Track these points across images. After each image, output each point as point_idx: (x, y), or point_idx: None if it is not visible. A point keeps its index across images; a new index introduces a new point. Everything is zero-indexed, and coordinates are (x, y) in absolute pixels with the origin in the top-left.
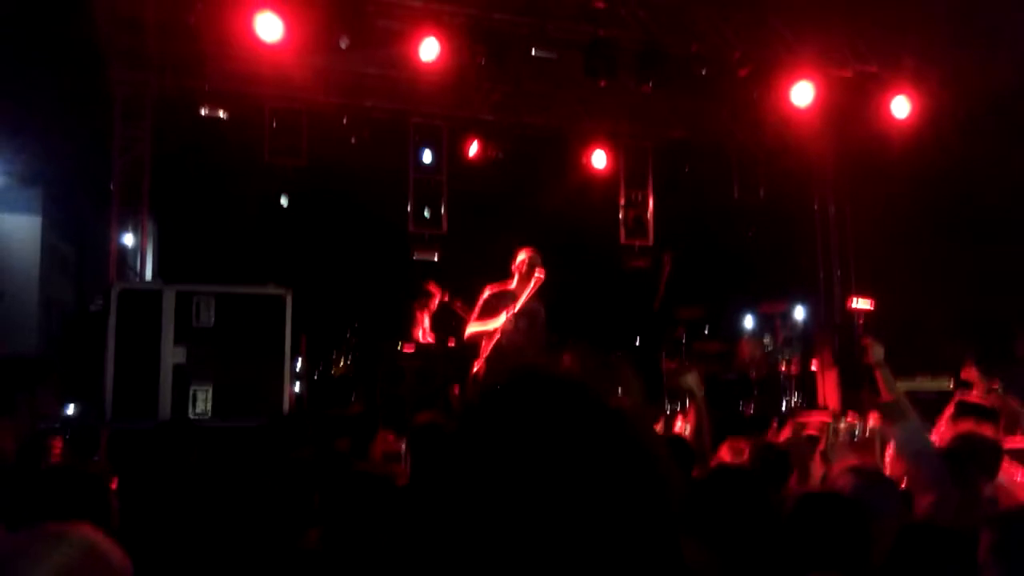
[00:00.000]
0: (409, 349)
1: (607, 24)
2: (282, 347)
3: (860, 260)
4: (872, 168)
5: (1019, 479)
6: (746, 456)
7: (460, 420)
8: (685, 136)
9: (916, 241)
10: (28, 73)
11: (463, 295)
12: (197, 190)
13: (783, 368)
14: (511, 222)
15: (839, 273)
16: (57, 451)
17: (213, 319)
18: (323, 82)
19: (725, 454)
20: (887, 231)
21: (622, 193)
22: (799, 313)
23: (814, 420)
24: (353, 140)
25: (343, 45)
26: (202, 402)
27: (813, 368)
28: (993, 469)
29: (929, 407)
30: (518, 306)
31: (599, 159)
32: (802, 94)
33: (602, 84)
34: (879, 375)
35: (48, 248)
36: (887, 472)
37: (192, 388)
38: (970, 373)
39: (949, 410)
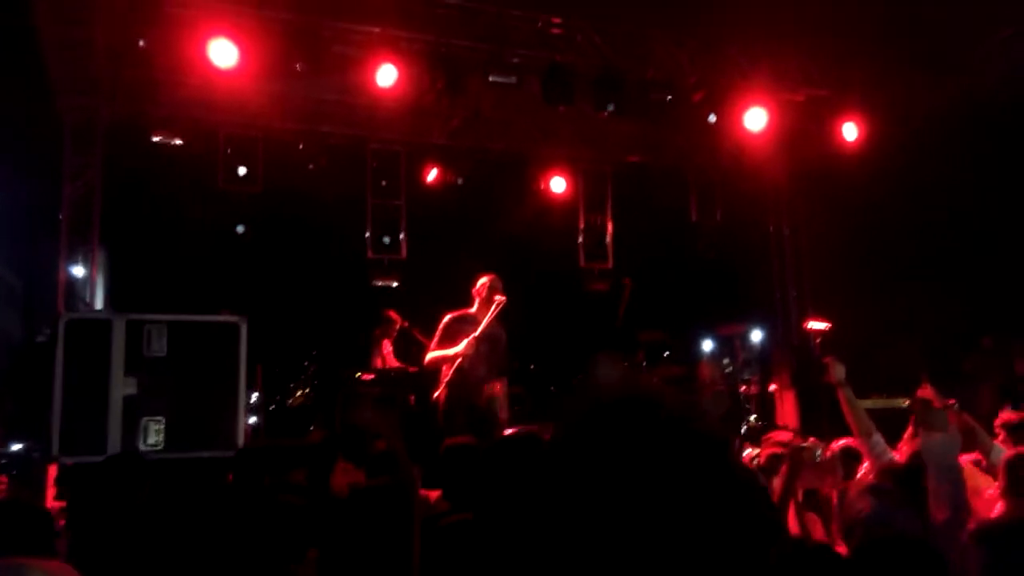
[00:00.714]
0: (368, 376)
1: (564, 50)
2: (236, 376)
3: (815, 281)
4: (825, 190)
5: (988, 493)
6: None
7: (561, 441)
8: (643, 160)
9: (868, 262)
10: None
11: (424, 321)
12: (150, 218)
13: (743, 389)
14: (471, 247)
15: (795, 294)
16: (2, 488)
17: (165, 348)
18: (279, 108)
19: None
20: (841, 252)
21: (581, 217)
22: (757, 335)
23: (782, 439)
24: (311, 166)
25: (299, 69)
26: (154, 434)
27: (772, 389)
28: None
29: (888, 424)
30: (479, 331)
31: (558, 184)
32: (755, 118)
33: (560, 110)
34: (841, 394)
35: None
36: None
37: (144, 419)
38: (926, 392)
39: (910, 429)
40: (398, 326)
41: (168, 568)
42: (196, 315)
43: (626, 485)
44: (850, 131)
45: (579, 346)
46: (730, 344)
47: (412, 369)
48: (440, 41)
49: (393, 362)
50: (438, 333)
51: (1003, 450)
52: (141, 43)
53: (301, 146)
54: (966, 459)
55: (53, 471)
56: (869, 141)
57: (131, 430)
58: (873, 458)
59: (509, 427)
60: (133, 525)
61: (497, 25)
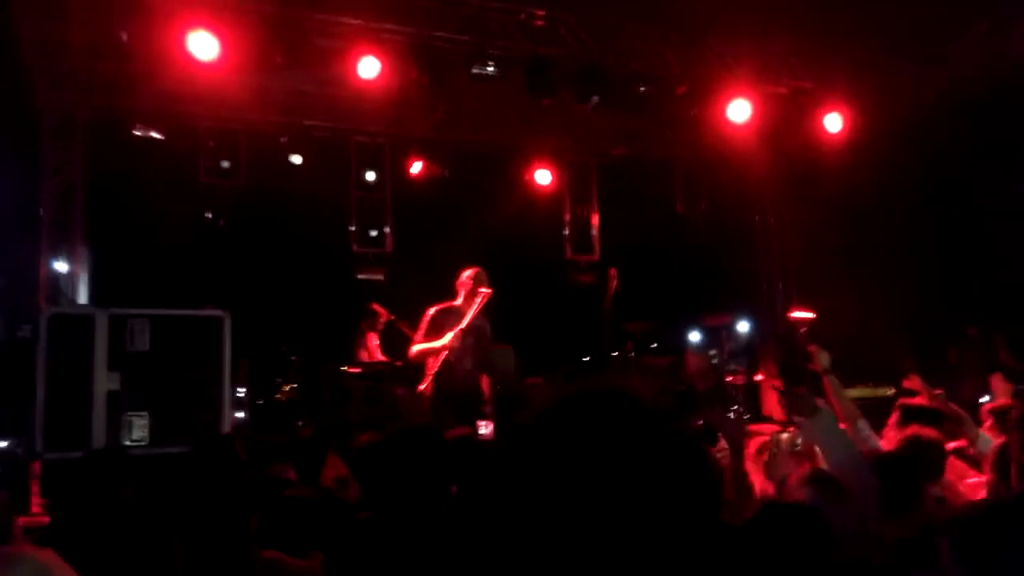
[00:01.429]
0: (354, 370)
1: (547, 43)
2: (221, 371)
3: (800, 271)
4: (809, 181)
5: (970, 480)
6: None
7: (524, 434)
8: (628, 152)
9: (852, 252)
10: None
11: (410, 314)
12: (132, 212)
13: (729, 380)
14: (456, 240)
15: (780, 285)
16: None
17: (148, 343)
18: (261, 101)
19: None
20: (825, 243)
21: (567, 208)
22: (743, 325)
23: (765, 430)
24: (300, 160)
25: (279, 62)
26: (139, 429)
27: (758, 379)
28: (937, 471)
29: (873, 413)
30: (464, 323)
31: (543, 176)
32: (739, 110)
33: (545, 103)
34: (826, 381)
35: None
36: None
37: (128, 415)
38: (913, 382)
39: (895, 416)
40: (384, 319)
41: (152, 561)
42: (179, 309)
43: (577, 469)
44: (834, 122)
45: (565, 338)
46: (716, 335)
47: (398, 363)
48: (422, 33)
49: (378, 355)
50: (423, 326)
51: (990, 439)
52: (124, 36)
53: (284, 139)
54: (950, 447)
55: (37, 468)
56: (853, 132)
57: (115, 425)
58: (858, 444)
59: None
60: (116, 520)
61: (479, 17)
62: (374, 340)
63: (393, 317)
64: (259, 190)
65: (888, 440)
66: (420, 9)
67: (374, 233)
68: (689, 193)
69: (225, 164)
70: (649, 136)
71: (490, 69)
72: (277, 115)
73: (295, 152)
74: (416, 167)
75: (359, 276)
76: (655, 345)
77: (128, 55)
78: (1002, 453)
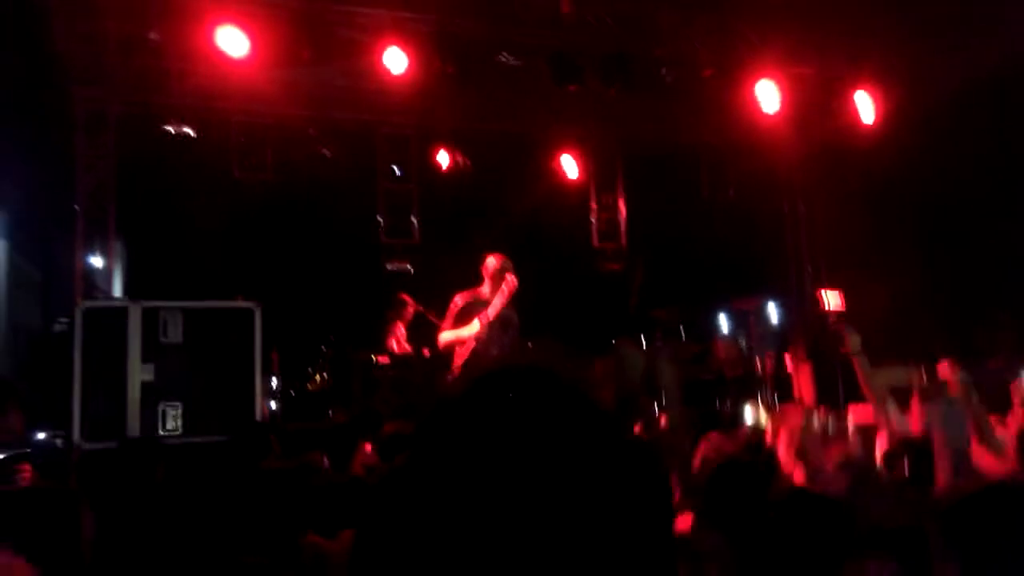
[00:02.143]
0: (384, 360)
1: (572, 30)
2: (252, 361)
3: (830, 256)
4: (838, 165)
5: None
6: (728, 450)
7: (433, 419)
8: (654, 138)
9: (882, 237)
10: None
11: (438, 304)
12: (165, 207)
13: (758, 365)
14: (484, 229)
15: (810, 269)
16: (27, 476)
17: (181, 335)
18: (290, 95)
19: (705, 449)
20: (854, 227)
21: (593, 196)
22: (772, 310)
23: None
24: (328, 153)
25: (307, 56)
26: (172, 419)
27: (788, 364)
28: None
29: (905, 397)
30: (492, 312)
31: (569, 164)
32: (767, 94)
33: (571, 89)
34: (857, 364)
35: (14, 272)
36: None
37: (162, 405)
38: (945, 368)
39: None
40: (412, 310)
41: (183, 551)
42: (210, 301)
43: (487, 457)
44: (864, 105)
45: (593, 327)
46: (745, 319)
47: (426, 352)
48: (447, 23)
49: (405, 346)
50: (450, 316)
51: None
52: (154, 35)
53: (312, 132)
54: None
55: (75, 458)
56: (884, 115)
57: (150, 416)
58: (889, 426)
59: None
60: (148, 508)
61: (505, 5)
62: (402, 330)
63: (422, 308)
64: (288, 182)
65: (914, 423)
66: None
67: (401, 224)
68: (716, 178)
69: (255, 158)
70: (676, 121)
71: (515, 58)
72: (305, 109)
73: (323, 145)
74: (443, 158)
75: (388, 266)
76: (683, 331)
77: (160, 52)
78: None
